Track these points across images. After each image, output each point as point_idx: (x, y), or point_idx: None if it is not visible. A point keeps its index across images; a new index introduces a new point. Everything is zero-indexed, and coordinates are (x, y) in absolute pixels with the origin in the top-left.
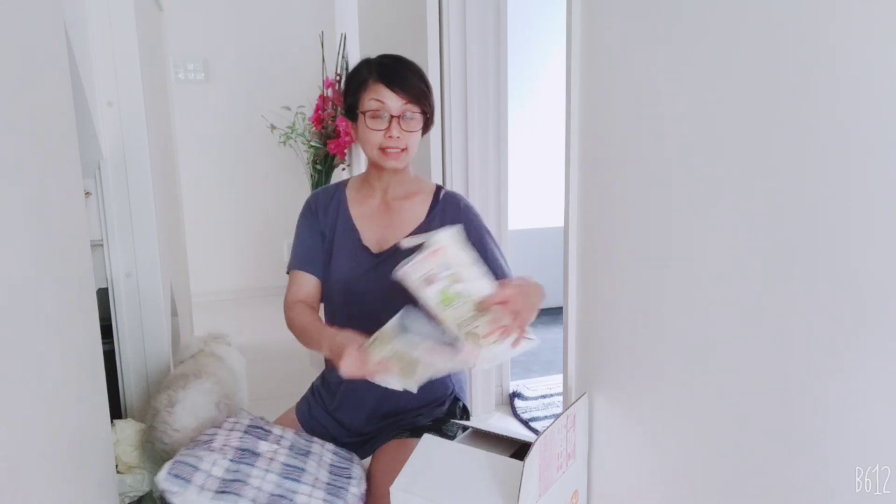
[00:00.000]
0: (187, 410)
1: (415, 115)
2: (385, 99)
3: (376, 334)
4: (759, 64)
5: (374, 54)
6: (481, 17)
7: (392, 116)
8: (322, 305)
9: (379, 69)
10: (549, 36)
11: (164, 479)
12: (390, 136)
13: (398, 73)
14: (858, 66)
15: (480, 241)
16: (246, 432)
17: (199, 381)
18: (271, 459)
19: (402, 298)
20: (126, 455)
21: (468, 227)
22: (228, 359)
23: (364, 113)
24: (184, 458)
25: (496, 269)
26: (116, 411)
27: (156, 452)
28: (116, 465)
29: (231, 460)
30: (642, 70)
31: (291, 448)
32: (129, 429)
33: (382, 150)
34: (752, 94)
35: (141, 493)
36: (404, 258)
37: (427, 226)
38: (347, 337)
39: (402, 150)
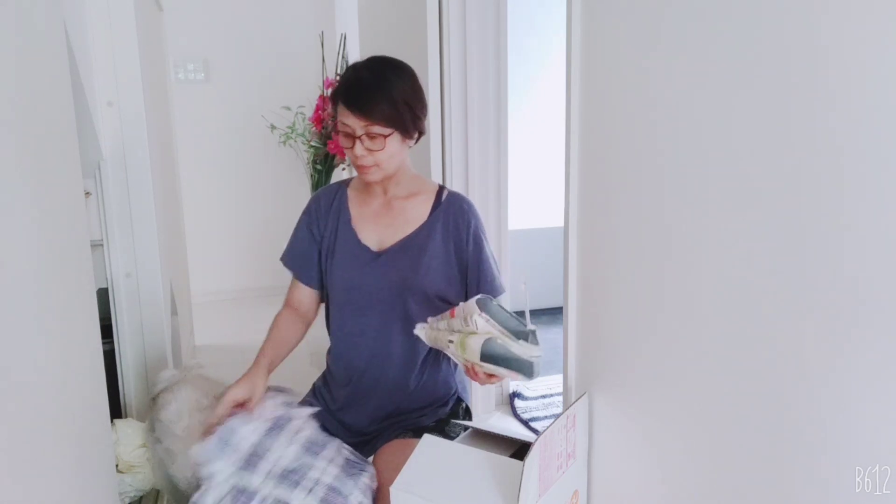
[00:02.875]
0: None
1: (379, 135)
2: (347, 120)
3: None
4: (759, 63)
5: (374, 53)
6: (481, 17)
7: (355, 137)
8: (324, 306)
9: (345, 88)
10: (549, 36)
11: (198, 453)
12: (356, 156)
13: (361, 93)
14: (855, 66)
15: (478, 253)
16: (284, 404)
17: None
18: (297, 432)
19: (402, 297)
20: (126, 454)
21: (469, 236)
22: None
23: (337, 132)
24: (220, 433)
25: (487, 284)
26: (116, 411)
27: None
28: (116, 465)
29: (262, 435)
30: (642, 70)
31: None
32: (129, 428)
33: (356, 165)
34: (752, 94)
35: (141, 493)
36: (402, 257)
37: (429, 226)
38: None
39: (374, 165)
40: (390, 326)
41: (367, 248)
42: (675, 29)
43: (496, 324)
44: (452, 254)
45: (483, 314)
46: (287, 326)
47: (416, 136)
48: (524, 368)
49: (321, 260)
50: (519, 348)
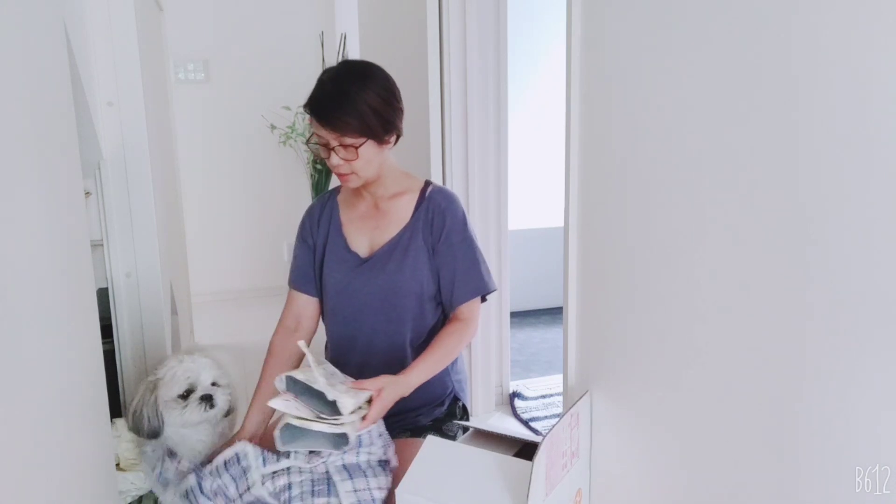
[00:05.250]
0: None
1: (351, 145)
2: (320, 132)
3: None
4: (760, 61)
5: (374, 53)
6: (481, 17)
7: (330, 148)
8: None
9: (312, 102)
10: (550, 35)
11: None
12: (332, 165)
13: (328, 108)
14: (856, 65)
15: (451, 253)
16: None
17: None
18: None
19: (390, 300)
20: (127, 453)
21: (442, 234)
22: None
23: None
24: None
25: (461, 285)
26: (116, 410)
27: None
28: (117, 464)
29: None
30: (642, 70)
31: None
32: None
33: (335, 174)
34: (752, 93)
35: (141, 492)
36: (388, 259)
37: (412, 226)
38: (249, 425)
39: (351, 173)
40: (379, 330)
41: (355, 254)
42: (674, 29)
43: (299, 402)
44: (432, 252)
45: (285, 395)
46: (281, 350)
47: (392, 139)
48: (334, 443)
49: (316, 268)
50: (320, 425)
